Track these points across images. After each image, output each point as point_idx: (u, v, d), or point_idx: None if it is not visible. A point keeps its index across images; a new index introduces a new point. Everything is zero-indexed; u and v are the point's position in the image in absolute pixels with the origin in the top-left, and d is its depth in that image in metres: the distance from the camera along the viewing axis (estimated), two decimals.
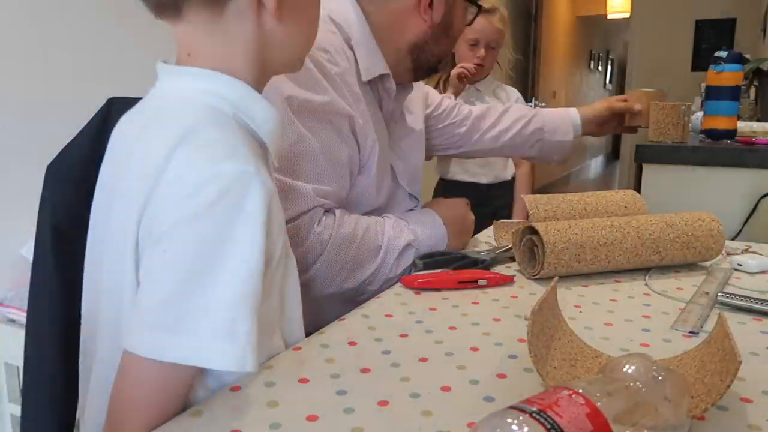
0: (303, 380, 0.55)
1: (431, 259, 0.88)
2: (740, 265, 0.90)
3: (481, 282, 0.81)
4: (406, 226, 0.91)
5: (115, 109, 0.98)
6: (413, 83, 1.04)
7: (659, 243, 0.85)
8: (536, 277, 0.84)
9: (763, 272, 0.89)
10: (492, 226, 1.12)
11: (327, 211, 0.85)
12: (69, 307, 0.92)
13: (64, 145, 0.95)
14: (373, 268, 0.87)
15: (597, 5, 7.01)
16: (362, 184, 0.92)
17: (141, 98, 0.64)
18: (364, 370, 0.57)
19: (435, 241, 0.93)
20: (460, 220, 0.99)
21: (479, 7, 1.00)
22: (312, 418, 0.48)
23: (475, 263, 0.89)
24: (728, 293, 0.75)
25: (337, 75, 0.85)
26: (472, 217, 1.03)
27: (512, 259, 0.94)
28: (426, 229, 0.92)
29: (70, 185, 0.95)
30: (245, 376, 0.55)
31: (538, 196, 1.00)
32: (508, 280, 0.83)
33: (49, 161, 0.95)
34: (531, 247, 0.86)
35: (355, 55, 0.90)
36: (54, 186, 0.96)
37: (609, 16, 6.99)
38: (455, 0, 0.94)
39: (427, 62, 0.96)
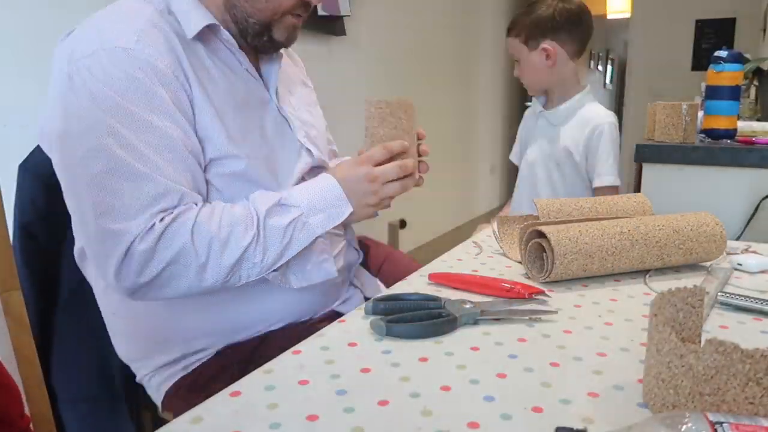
0: (303, 382, 0.55)
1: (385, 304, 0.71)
2: (740, 264, 0.90)
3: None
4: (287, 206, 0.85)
5: None
6: (281, 59, 1.00)
7: (664, 250, 0.85)
8: (541, 281, 0.84)
9: (763, 272, 0.89)
10: (494, 222, 1.09)
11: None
12: (37, 300, 0.93)
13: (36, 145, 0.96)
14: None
15: (597, 5, 7.00)
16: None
17: None
18: (364, 370, 0.57)
19: (329, 209, 0.88)
20: (363, 184, 0.89)
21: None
22: (312, 418, 0.48)
23: (438, 316, 0.66)
24: (728, 293, 0.75)
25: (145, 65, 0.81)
26: (377, 174, 0.89)
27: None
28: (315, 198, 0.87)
29: (39, 186, 0.96)
30: (246, 382, 0.55)
31: (551, 200, 0.99)
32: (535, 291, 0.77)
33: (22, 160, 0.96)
34: (536, 248, 0.86)
35: (176, 18, 0.88)
36: (23, 186, 0.96)
37: (609, 16, 6.99)
38: None
39: (246, 23, 0.92)
